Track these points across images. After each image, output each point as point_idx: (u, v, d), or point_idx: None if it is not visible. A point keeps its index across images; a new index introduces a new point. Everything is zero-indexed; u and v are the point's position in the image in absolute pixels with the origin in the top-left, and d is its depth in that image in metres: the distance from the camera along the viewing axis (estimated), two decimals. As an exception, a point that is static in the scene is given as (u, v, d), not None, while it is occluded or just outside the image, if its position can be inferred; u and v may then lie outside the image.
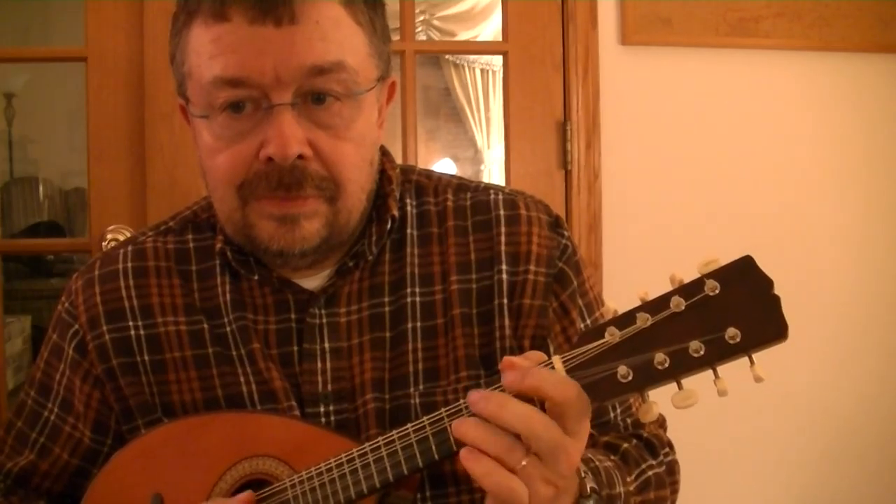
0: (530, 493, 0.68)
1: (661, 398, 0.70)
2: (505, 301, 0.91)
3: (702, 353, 0.67)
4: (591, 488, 0.78)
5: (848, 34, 1.84)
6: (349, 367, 0.89)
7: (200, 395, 0.90)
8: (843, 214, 1.88)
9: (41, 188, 4.65)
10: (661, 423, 1.00)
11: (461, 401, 0.73)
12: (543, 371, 0.70)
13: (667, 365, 0.68)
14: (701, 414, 1.50)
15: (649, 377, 0.68)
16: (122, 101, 1.65)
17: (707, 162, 1.82)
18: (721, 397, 0.68)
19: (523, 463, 0.68)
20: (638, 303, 0.70)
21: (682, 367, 0.68)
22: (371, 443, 0.76)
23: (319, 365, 0.89)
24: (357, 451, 0.76)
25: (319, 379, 0.89)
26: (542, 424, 0.68)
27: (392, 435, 0.75)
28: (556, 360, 0.71)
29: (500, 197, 0.96)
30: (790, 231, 1.84)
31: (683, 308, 0.68)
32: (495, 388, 0.72)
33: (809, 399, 1.88)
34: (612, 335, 0.69)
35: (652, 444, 0.95)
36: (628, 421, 0.96)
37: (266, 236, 0.84)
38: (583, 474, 0.78)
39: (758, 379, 0.66)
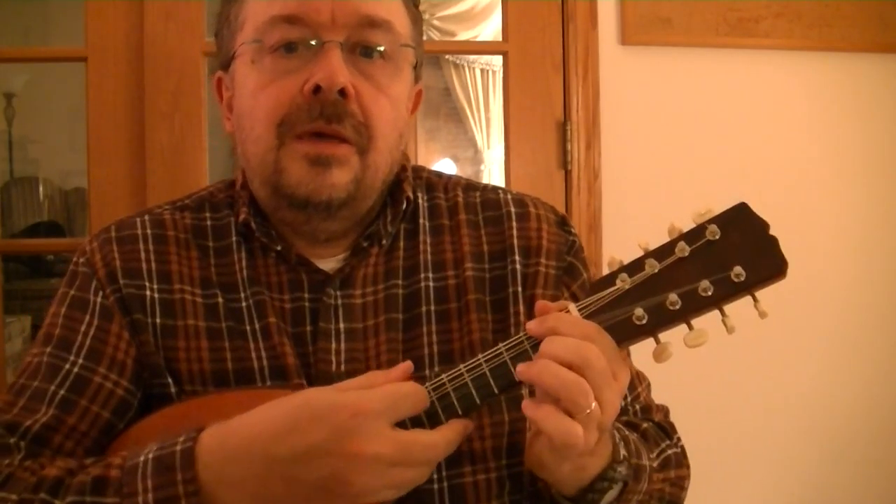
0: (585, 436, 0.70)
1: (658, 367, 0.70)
2: (519, 290, 0.93)
3: (710, 292, 0.72)
4: (623, 455, 0.80)
5: (848, 34, 1.84)
6: (364, 349, 0.89)
7: (209, 366, 0.88)
8: (843, 214, 1.88)
9: (41, 188, 4.66)
10: (665, 413, 1.01)
11: (521, 334, 0.75)
12: (559, 314, 0.73)
13: (679, 306, 0.72)
14: (701, 413, 1.50)
15: (663, 318, 0.72)
16: (122, 101, 1.65)
17: (707, 162, 1.82)
18: (730, 334, 0.72)
19: (588, 411, 0.69)
20: (640, 252, 0.74)
21: (693, 306, 0.72)
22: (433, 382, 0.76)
23: (334, 345, 0.89)
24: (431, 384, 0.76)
25: (333, 359, 0.89)
26: (595, 353, 0.70)
27: (460, 369, 0.76)
28: (572, 307, 0.74)
29: (509, 196, 1.00)
30: (790, 231, 1.81)
31: (688, 253, 0.73)
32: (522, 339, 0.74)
33: (809, 399, 1.88)
34: (624, 281, 0.73)
35: (665, 427, 0.97)
36: (637, 407, 0.97)
37: (295, 181, 0.86)
38: (618, 440, 0.80)
39: (762, 314, 0.71)
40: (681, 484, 0.95)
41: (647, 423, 0.95)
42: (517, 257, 0.94)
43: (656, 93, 1.80)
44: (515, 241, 0.95)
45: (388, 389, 0.72)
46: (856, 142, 1.88)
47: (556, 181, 1.78)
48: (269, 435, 0.70)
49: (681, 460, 0.95)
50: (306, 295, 0.91)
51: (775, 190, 1.84)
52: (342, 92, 0.84)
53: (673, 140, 1.81)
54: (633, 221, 1.79)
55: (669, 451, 0.94)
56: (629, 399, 0.96)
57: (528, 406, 0.71)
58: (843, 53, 1.85)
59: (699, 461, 1.00)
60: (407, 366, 0.77)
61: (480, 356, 0.75)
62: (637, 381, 0.98)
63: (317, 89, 0.84)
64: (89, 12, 1.65)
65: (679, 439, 0.98)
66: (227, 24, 0.93)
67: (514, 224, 0.96)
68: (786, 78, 1.85)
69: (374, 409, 0.69)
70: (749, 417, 1.83)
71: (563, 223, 0.99)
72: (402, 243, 0.95)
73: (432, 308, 0.92)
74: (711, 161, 1.83)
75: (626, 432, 0.86)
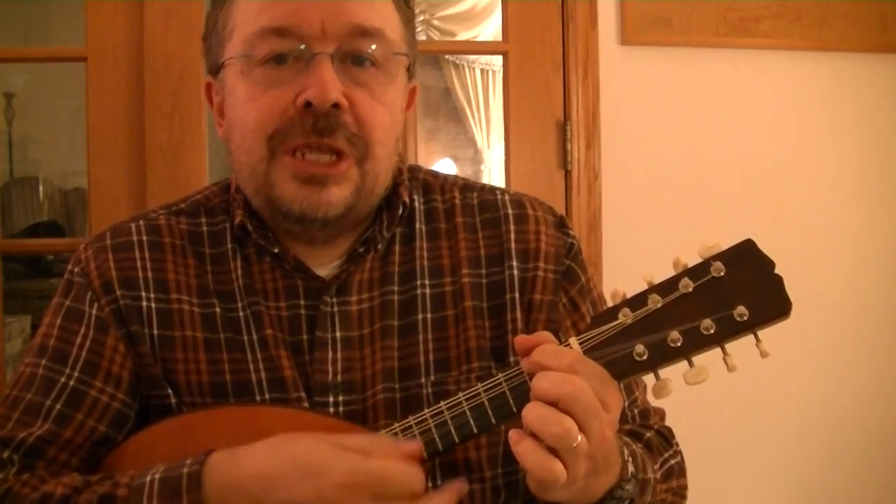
0: (569, 470, 0.69)
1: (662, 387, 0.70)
2: (517, 295, 0.92)
3: (713, 331, 0.71)
4: (631, 472, 0.80)
5: (848, 34, 1.84)
6: (360, 357, 0.89)
7: (207, 378, 0.88)
8: (842, 215, 1.88)
9: (41, 188, 4.66)
10: (662, 416, 1.01)
11: (520, 366, 0.74)
12: (543, 347, 0.72)
13: (680, 343, 0.72)
14: (700, 413, 1.50)
15: (664, 355, 0.72)
16: (122, 101, 1.65)
17: (707, 162, 1.82)
18: (730, 373, 0.72)
19: (574, 444, 0.68)
20: (644, 286, 0.74)
21: (694, 344, 0.72)
22: (420, 415, 0.77)
23: (330, 354, 0.89)
24: (415, 419, 0.77)
25: (330, 368, 0.88)
26: (579, 386, 0.69)
27: (459, 397, 0.76)
28: (573, 342, 0.74)
29: (507, 197, 0.98)
30: (790, 231, 1.84)
31: (692, 289, 0.72)
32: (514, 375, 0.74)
33: (808, 399, 1.88)
34: (626, 316, 0.73)
35: (664, 434, 0.97)
36: (635, 411, 0.97)
37: (288, 197, 0.85)
38: (626, 457, 0.79)
39: (764, 354, 0.71)
40: (682, 493, 0.95)
41: (650, 433, 0.94)
42: (514, 262, 0.93)
43: (656, 93, 1.80)
44: (513, 245, 0.94)
45: (383, 466, 0.72)
46: (855, 142, 1.88)
47: (556, 181, 1.78)
48: (263, 479, 0.73)
49: (682, 468, 0.95)
50: (302, 302, 0.91)
51: (774, 190, 1.84)
52: (335, 105, 0.83)
53: (673, 140, 1.81)
54: (633, 221, 1.79)
55: (672, 462, 0.94)
56: (627, 404, 0.95)
57: (512, 437, 0.71)
58: (842, 53, 1.85)
59: (696, 461, 1.00)
60: (418, 447, 0.76)
61: (479, 386, 0.75)
62: (634, 386, 0.98)
63: (308, 104, 0.83)
64: (89, 12, 1.64)
65: (678, 445, 0.97)
66: (215, 30, 0.91)
67: (512, 227, 0.95)
68: (786, 78, 1.85)
69: (361, 484, 0.71)
70: (746, 417, 1.83)
71: (561, 224, 0.98)
72: (397, 248, 0.94)
73: (428, 315, 0.91)
74: (711, 161, 1.83)
75: (634, 447, 0.85)
